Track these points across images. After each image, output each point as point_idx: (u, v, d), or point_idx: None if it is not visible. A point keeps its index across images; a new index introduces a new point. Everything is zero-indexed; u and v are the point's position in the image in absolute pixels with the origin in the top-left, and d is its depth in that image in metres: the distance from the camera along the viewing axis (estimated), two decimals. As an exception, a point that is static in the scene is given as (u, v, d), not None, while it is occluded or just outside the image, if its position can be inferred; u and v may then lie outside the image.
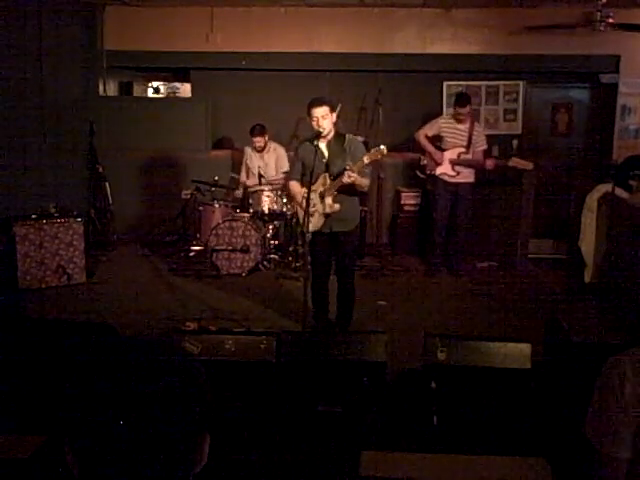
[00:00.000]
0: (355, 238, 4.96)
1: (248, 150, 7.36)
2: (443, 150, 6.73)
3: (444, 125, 6.76)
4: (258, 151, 7.25)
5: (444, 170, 6.71)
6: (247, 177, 7.43)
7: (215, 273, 6.60)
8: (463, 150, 6.67)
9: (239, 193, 7.40)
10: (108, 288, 6.24)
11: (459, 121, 6.66)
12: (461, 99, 6.70)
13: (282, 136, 7.56)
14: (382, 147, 4.48)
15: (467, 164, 6.67)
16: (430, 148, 6.75)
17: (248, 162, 7.37)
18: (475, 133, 6.69)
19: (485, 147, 6.79)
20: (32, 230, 6.04)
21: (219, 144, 8.46)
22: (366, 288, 6.12)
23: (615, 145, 7.89)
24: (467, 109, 6.62)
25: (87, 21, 7.88)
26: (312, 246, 4.73)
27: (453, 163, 6.68)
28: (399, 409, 3.57)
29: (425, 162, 6.92)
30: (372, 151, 4.52)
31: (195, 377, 1.04)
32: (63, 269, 6.18)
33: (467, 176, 6.70)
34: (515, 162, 6.66)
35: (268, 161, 7.27)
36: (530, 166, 6.66)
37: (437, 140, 6.82)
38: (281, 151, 7.29)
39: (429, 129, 6.81)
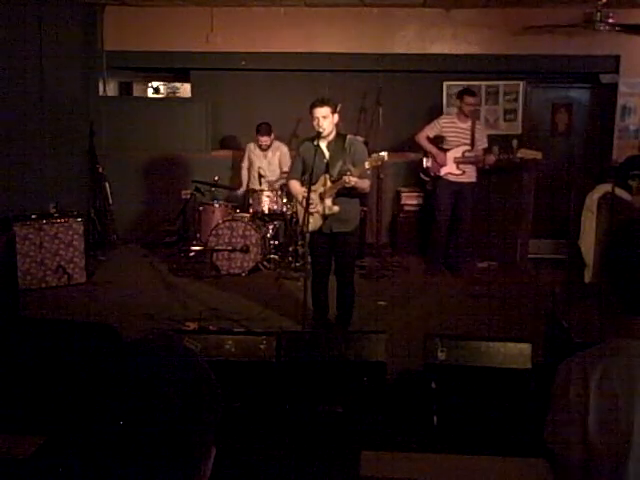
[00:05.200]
0: (355, 239, 4.96)
1: (251, 147, 7.36)
2: (446, 150, 6.73)
3: (445, 125, 6.75)
4: (262, 149, 7.25)
5: (449, 170, 6.70)
6: (248, 174, 7.42)
7: (215, 273, 6.60)
8: (468, 148, 6.66)
9: (241, 191, 7.41)
10: (108, 288, 6.24)
11: (464, 116, 6.66)
12: (467, 90, 6.76)
13: (282, 136, 7.55)
14: (383, 154, 4.50)
15: (471, 162, 6.67)
16: (433, 150, 6.72)
17: (252, 158, 7.34)
18: (477, 131, 6.69)
19: (485, 146, 6.78)
20: (32, 230, 6.04)
21: (224, 144, 8.44)
22: (366, 288, 6.12)
23: (615, 145, 7.88)
24: (476, 99, 6.70)
25: (87, 21, 7.88)
26: (311, 246, 4.73)
27: (458, 162, 6.66)
28: (399, 409, 3.57)
29: (429, 164, 6.89)
30: (372, 157, 4.53)
31: (206, 386, 0.99)
32: (63, 269, 6.18)
33: (470, 175, 6.71)
34: (523, 153, 6.62)
35: (271, 160, 7.27)
36: (539, 155, 6.60)
37: (439, 141, 6.82)
38: (284, 149, 7.28)
39: (430, 130, 6.79)
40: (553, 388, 1.61)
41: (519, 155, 6.63)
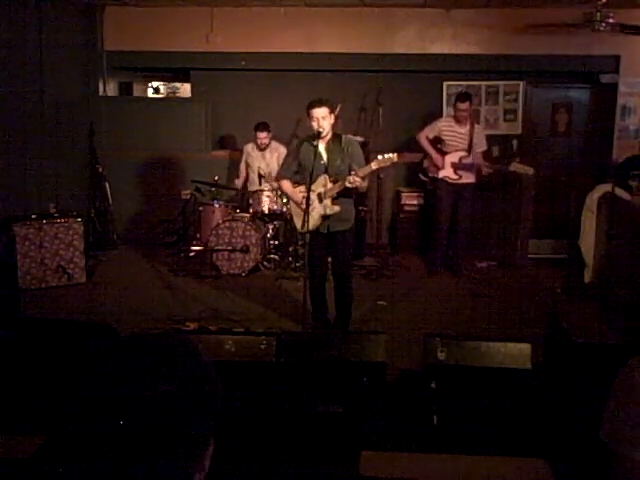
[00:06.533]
0: (352, 237, 4.96)
1: (248, 148, 7.36)
2: (444, 153, 6.72)
3: (444, 128, 6.75)
4: (260, 149, 7.25)
5: (446, 174, 6.70)
6: (246, 176, 7.42)
7: (215, 273, 6.60)
8: (464, 154, 6.65)
9: (238, 184, 7.41)
10: (108, 288, 6.24)
11: (459, 121, 6.64)
12: (461, 95, 6.73)
13: (282, 136, 7.55)
14: (393, 155, 4.48)
15: (468, 168, 6.67)
16: (432, 152, 6.73)
17: (249, 161, 7.36)
18: (475, 135, 6.67)
19: (484, 148, 6.77)
20: (32, 230, 6.04)
21: (222, 143, 8.45)
22: (366, 288, 6.12)
23: (615, 145, 7.88)
24: (467, 105, 6.60)
25: (87, 21, 7.88)
26: (309, 246, 4.73)
27: (455, 167, 6.67)
28: (399, 409, 3.57)
29: (427, 165, 6.91)
30: (380, 158, 4.51)
31: (205, 380, 1.00)
32: (63, 269, 6.18)
33: (469, 177, 6.71)
34: (515, 167, 6.64)
35: (269, 161, 7.26)
36: (531, 171, 6.63)
37: (438, 142, 6.82)
38: (282, 150, 7.27)
39: (429, 131, 6.80)
40: (621, 383, 1.58)
41: (511, 169, 6.63)
